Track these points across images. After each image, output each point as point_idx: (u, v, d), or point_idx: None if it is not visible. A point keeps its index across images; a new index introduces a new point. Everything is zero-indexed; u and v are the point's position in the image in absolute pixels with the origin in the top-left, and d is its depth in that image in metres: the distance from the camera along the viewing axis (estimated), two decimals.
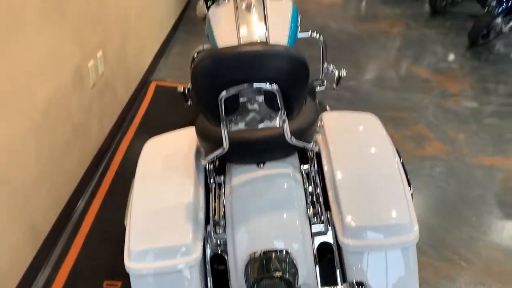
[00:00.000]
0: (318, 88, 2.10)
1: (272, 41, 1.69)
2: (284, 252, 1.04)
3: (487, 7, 3.94)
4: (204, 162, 1.14)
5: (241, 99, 1.06)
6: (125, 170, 2.25)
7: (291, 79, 1.01)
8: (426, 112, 3.01)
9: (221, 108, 1.02)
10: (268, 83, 0.99)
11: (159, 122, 2.64)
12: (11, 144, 1.47)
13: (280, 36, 1.78)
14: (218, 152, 1.08)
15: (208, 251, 1.13)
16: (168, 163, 1.25)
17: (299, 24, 1.91)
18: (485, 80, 3.55)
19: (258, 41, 1.72)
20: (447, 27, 4.72)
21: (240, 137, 1.11)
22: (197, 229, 1.09)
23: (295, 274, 1.01)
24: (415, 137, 2.72)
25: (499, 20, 3.96)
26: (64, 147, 1.84)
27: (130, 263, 1.03)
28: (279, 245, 1.06)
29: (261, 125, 1.08)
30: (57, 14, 1.69)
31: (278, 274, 0.99)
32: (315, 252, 1.12)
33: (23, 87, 1.50)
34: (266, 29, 1.72)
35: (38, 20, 1.56)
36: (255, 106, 1.07)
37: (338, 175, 1.16)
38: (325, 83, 2.11)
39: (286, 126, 1.05)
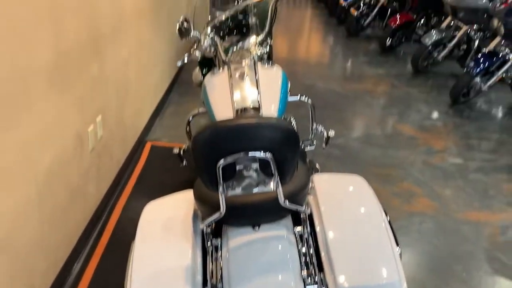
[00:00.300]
0: (308, 148, 2.21)
1: (264, 107, 1.81)
2: None
3: (466, 68, 4.18)
4: (202, 226, 1.20)
5: (238, 167, 1.14)
6: (121, 231, 2.29)
7: (283, 147, 1.10)
8: (412, 169, 3.12)
9: (219, 175, 1.10)
10: (262, 151, 1.08)
11: (154, 182, 2.71)
12: (16, 211, 1.52)
13: (271, 102, 1.90)
14: (216, 216, 1.14)
15: None
16: (167, 226, 1.31)
17: (288, 89, 2.05)
18: (468, 137, 3.71)
19: (251, 106, 1.84)
20: (430, 86, 4.95)
21: (236, 202, 1.19)
22: None
23: None
24: (403, 194, 2.80)
25: (478, 79, 4.18)
26: (63, 211, 1.89)
27: None
28: None
29: (256, 190, 1.16)
30: (63, 81, 1.81)
31: None
32: None
33: (28, 155, 1.58)
34: (259, 93, 1.85)
35: (46, 88, 1.67)
36: (251, 172, 1.15)
37: (330, 236, 1.23)
38: (314, 142, 2.22)
39: (280, 191, 1.13)
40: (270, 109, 1.87)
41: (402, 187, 2.88)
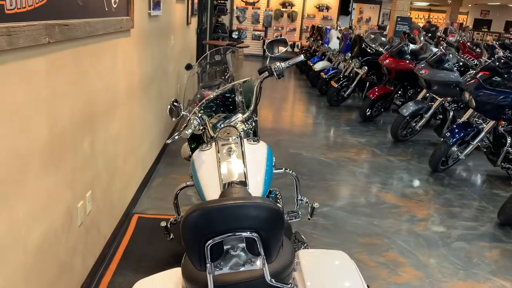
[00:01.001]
0: (293, 220, 2.26)
1: (251, 181, 1.89)
2: None
3: (442, 137, 4.37)
4: None
5: (225, 246, 1.19)
6: None
7: (268, 226, 1.16)
8: (397, 237, 3.17)
9: (207, 255, 1.14)
10: (248, 231, 1.14)
11: (141, 256, 2.69)
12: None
13: (257, 176, 1.99)
14: None
15: None
16: None
17: (273, 163, 2.14)
18: (450, 205, 3.80)
19: (238, 180, 1.92)
20: (410, 154, 5.13)
21: (224, 280, 1.22)
22: None
23: None
24: (389, 264, 2.83)
25: (454, 148, 4.37)
26: (50, 287, 1.88)
27: None
28: None
29: (243, 269, 1.20)
30: (57, 160, 1.87)
31: None
32: None
33: (18, 233, 1.60)
34: (245, 167, 1.94)
35: (41, 167, 1.72)
36: (238, 252, 1.20)
37: None
38: (300, 214, 2.28)
39: (266, 270, 1.17)
40: (256, 183, 1.95)
41: (388, 256, 2.91)
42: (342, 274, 1.43)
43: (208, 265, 1.16)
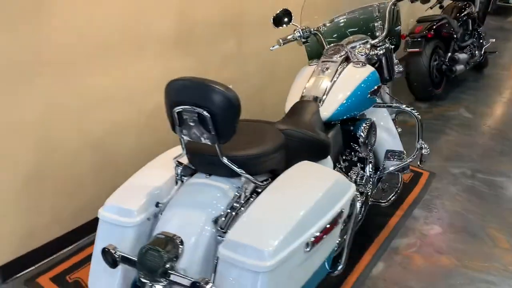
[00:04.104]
0: (393, 167, 2.20)
1: (327, 100, 1.96)
2: (178, 240, 1.29)
3: None
4: (173, 160, 1.50)
5: (184, 116, 1.36)
6: None
7: (219, 109, 1.27)
8: None
9: (175, 119, 1.35)
10: (202, 109, 1.28)
11: None
12: (117, 130, 2.10)
13: (336, 97, 2.00)
14: (178, 154, 1.44)
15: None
16: (167, 162, 1.61)
17: (372, 90, 2.06)
18: None
19: (315, 96, 2.00)
20: None
21: (193, 147, 1.43)
22: (149, 205, 1.44)
23: (173, 256, 1.26)
24: None
25: None
26: (162, 147, 2.40)
27: (101, 211, 1.46)
28: (181, 233, 1.31)
29: (202, 141, 1.36)
30: (180, 50, 2.29)
31: (159, 248, 1.25)
32: (217, 254, 1.28)
33: (133, 96, 2.14)
34: (330, 87, 2.00)
35: (159, 50, 2.21)
36: (192, 124, 1.35)
37: (257, 202, 1.35)
38: (403, 157, 2.20)
39: (218, 147, 1.31)
40: (332, 101, 1.97)
41: None
42: (312, 185, 1.42)
43: (176, 127, 1.37)
